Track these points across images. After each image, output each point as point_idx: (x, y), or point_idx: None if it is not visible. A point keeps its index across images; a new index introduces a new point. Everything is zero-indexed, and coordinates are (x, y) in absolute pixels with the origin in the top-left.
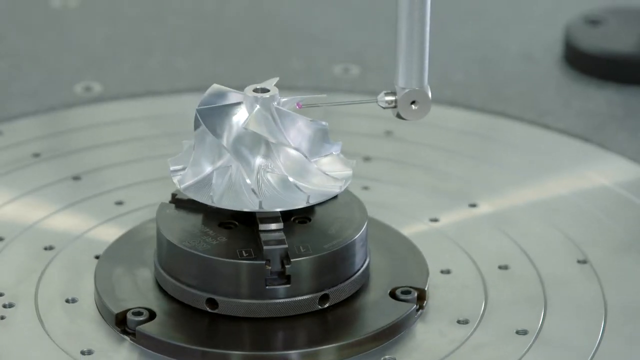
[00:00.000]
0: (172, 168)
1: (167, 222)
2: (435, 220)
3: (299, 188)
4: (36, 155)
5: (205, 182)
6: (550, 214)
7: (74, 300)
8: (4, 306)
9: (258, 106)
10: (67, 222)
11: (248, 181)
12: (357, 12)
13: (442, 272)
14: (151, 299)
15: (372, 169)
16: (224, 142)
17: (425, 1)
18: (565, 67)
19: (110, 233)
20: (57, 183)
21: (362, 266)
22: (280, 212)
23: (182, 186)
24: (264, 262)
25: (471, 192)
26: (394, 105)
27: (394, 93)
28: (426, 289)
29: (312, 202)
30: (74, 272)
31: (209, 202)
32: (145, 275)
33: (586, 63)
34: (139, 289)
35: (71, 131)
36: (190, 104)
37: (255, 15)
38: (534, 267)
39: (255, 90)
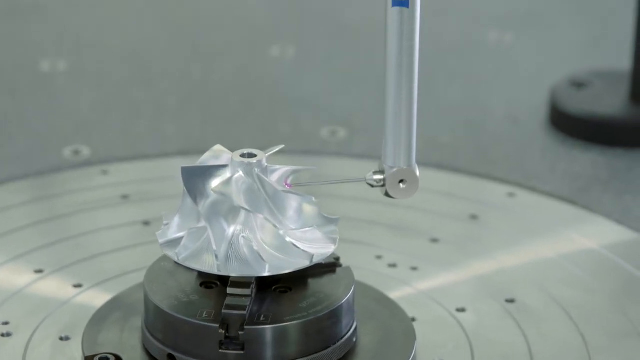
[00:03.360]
0: (165, 222)
1: (155, 274)
2: (421, 283)
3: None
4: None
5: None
6: (536, 276)
7: (67, 338)
8: (2, 335)
9: (240, 171)
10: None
11: (214, 247)
12: (344, 75)
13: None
14: (127, 347)
15: (357, 232)
16: (200, 204)
17: (413, 84)
18: (551, 130)
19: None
20: (49, 246)
21: (332, 344)
22: (264, 278)
23: (161, 241)
24: (217, 325)
25: (457, 255)
26: (383, 184)
27: (382, 172)
28: None
29: (271, 272)
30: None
31: (174, 259)
32: (137, 324)
33: (571, 125)
34: (122, 336)
35: (60, 195)
36: (178, 167)
37: (243, 79)
38: (520, 330)
39: (243, 155)
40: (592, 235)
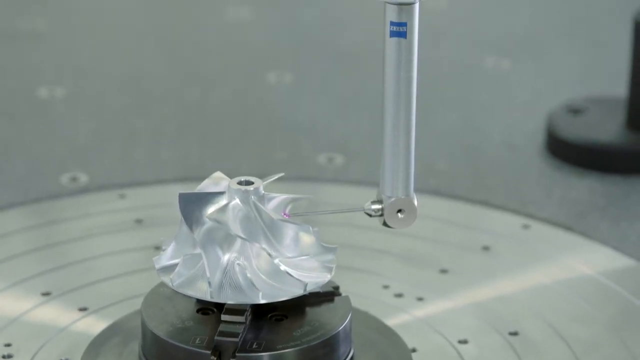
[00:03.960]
0: (163, 247)
1: (153, 299)
2: (418, 309)
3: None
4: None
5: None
6: (533, 303)
7: None
8: (3, 356)
9: (236, 198)
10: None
11: (208, 274)
12: (341, 101)
13: None
14: None
15: (367, 261)
16: (196, 231)
17: (411, 115)
18: (548, 156)
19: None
20: (55, 270)
21: None
22: (260, 306)
23: (157, 266)
24: (209, 351)
25: (455, 281)
26: (381, 213)
27: (380, 201)
28: None
29: (264, 300)
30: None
31: (170, 284)
32: (136, 349)
33: (568, 152)
34: (120, 358)
35: (57, 222)
36: (175, 194)
37: (240, 105)
38: (517, 357)
39: (240, 183)
40: (589, 261)
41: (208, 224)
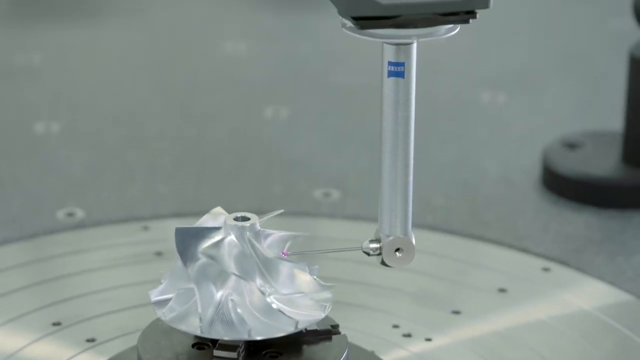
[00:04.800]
0: (162, 280)
1: (151, 333)
2: (415, 345)
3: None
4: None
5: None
6: (529, 338)
7: None
8: None
9: (232, 234)
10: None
11: (199, 309)
12: (337, 137)
13: None
14: None
15: (379, 299)
16: (190, 266)
17: (409, 154)
18: (544, 191)
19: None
20: (41, 309)
21: None
22: (255, 342)
23: (153, 300)
24: None
25: (451, 317)
26: (379, 252)
27: (378, 240)
28: None
29: (254, 337)
30: None
31: (162, 318)
32: None
33: (564, 186)
34: None
35: (54, 257)
36: (172, 229)
37: (236, 140)
38: None
39: (236, 219)
40: (585, 296)
41: (202, 259)
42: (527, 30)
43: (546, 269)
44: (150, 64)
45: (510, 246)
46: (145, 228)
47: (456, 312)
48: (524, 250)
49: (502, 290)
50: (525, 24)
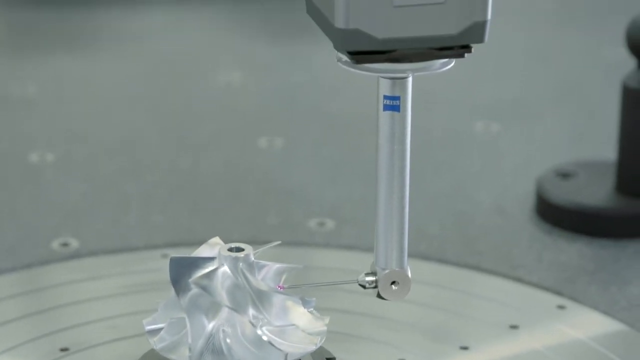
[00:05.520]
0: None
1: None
2: None
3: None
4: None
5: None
6: None
7: None
8: None
9: (225, 265)
10: None
11: (189, 340)
12: (332, 166)
13: None
14: None
15: (386, 332)
16: (182, 296)
17: (404, 187)
18: (538, 220)
19: None
20: (37, 339)
21: None
22: None
23: (146, 328)
24: None
25: (445, 347)
26: (375, 285)
27: (374, 273)
28: None
29: None
30: None
31: (154, 346)
32: None
33: (558, 216)
34: None
35: (49, 287)
36: (166, 259)
37: (231, 171)
38: None
39: (231, 249)
40: (578, 326)
41: (194, 289)
42: (520, 60)
43: (541, 300)
44: (145, 94)
45: (505, 276)
46: (141, 258)
47: (464, 348)
48: (518, 279)
49: (513, 327)
50: (518, 54)
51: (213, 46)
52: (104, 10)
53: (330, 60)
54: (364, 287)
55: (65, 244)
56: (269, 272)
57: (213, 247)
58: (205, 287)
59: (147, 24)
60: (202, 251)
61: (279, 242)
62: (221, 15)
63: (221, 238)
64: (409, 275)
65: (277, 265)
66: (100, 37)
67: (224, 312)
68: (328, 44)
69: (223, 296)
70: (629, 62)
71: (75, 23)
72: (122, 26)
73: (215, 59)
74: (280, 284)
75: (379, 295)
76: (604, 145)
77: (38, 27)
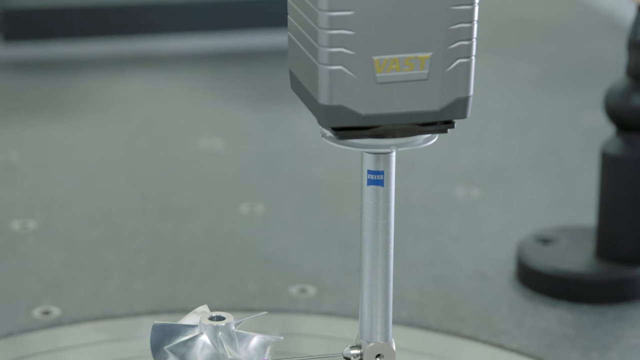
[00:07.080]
0: None
1: None
2: None
3: None
4: None
5: None
6: None
7: None
8: None
9: (204, 333)
10: None
11: None
12: (313, 233)
13: None
14: None
15: None
16: None
17: (388, 260)
18: (518, 286)
19: None
20: None
21: None
22: None
23: None
24: None
25: None
26: (360, 358)
27: (359, 346)
28: None
29: None
30: None
31: None
32: None
33: (538, 281)
34: None
35: (30, 356)
36: (148, 326)
37: (212, 237)
38: None
39: (211, 318)
40: None
41: (172, 358)
42: (500, 126)
43: None
44: (126, 161)
45: (487, 342)
46: (123, 325)
47: None
48: (500, 346)
49: None
50: (498, 119)
51: (195, 112)
52: (86, 76)
53: (310, 125)
54: None
55: (46, 312)
56: (254, 344)
57: (199, 315)
58: (182, 356)
59: (129, 91)
60: (187, 319)
61: (264, 312)
62: (203, 83)
63: (202, 305)
64: (394, 348)
65: (257, 336)
66: (82, 104)
67: None
68: (308, 111)
69: None
70: (607, 127)
71: (58, 89)
72: (105, 92)
73: (197, 125)
74: (266, 357)
75: None
76: (584, 211)
77: (20, 93)
